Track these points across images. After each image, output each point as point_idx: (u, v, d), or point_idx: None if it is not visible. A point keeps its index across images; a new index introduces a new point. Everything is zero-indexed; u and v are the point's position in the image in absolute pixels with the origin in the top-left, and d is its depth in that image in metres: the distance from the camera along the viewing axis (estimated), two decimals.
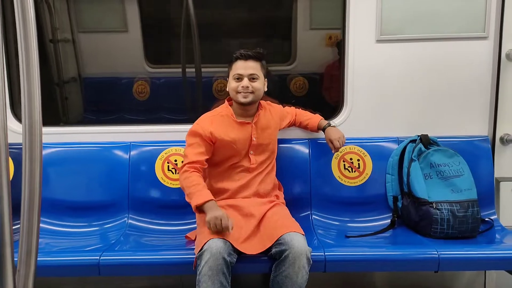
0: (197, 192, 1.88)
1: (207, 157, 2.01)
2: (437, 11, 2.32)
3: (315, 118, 2.31)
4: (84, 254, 1.91)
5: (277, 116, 2.23)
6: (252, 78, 2.01)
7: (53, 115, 3.67)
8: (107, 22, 4.04)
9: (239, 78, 2.01)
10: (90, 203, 2.27)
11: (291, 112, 2.35)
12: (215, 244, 1.71)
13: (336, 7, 3.62)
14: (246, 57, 2.01)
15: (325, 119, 2.34)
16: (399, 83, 2.39)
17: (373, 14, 2.30)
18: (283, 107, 2.35)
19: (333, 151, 2.21)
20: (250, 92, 2.00)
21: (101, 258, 1.82)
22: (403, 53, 2.36)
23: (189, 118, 3.32)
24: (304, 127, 2.35)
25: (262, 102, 2.17)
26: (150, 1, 4.00)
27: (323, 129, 2.24)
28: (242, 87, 1.99)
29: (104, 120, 4.03)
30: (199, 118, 2.11)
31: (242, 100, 2.01)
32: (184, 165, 1.97)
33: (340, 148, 2.15)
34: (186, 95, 3.47)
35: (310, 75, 3.97)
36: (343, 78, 2.41)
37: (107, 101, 4.11)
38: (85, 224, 2.22)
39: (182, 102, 3.68)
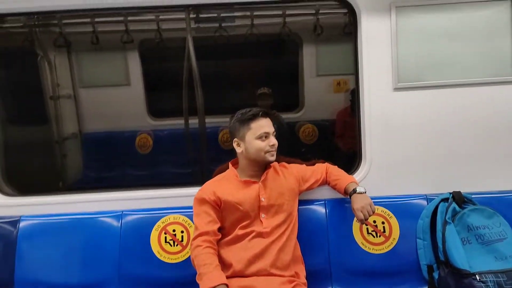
0: (208, 273, 1.70)
1: (218, 225, 1.85)
2: (458, 56, 2.11)
3: (343, 181, 2.00)
4: None
5: (291, 177, 2.00)
6: (274, 135, 1.91)
7: (49, 173, 3.48)
8: (109, 76, 3.97)
9: (266, 136, 1.87)
10: (69, 285, 1.95)
11: (319, 170, 2.09)
12: None
13: (342, 52, 3.50)
14: (266, 115, 1.90)
15: (344, 170, 2.09)
16: (422, 134, 2.15)
17: (388, 61, 2.10)
18: (313, 164, 2.12)
19: (358, 223, 1.92)
20: (275, 150, 1.90)
21: None
22: (424, 100, 2.13)
23: (193, 172, 3.22)
24: (333, 188, 2.07)
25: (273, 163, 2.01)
26: (152, 54, 3.93)
27: (350, 196, 1.93)
28: (272, 145, 1.87)
29: (104, 177, 3.85)
30: (204, 184, 1.95)
31: (271, 158, 1.89)
32: (196, 237, 1.81)
33: (366, 220, 1.82)
34: (189, 146, 3.33)
35: (319, 122, 3.82)
36: (359, 130, 2.17)
37: (108, 156, 3.96)
38: None
39: (186, 154, 3.60)
